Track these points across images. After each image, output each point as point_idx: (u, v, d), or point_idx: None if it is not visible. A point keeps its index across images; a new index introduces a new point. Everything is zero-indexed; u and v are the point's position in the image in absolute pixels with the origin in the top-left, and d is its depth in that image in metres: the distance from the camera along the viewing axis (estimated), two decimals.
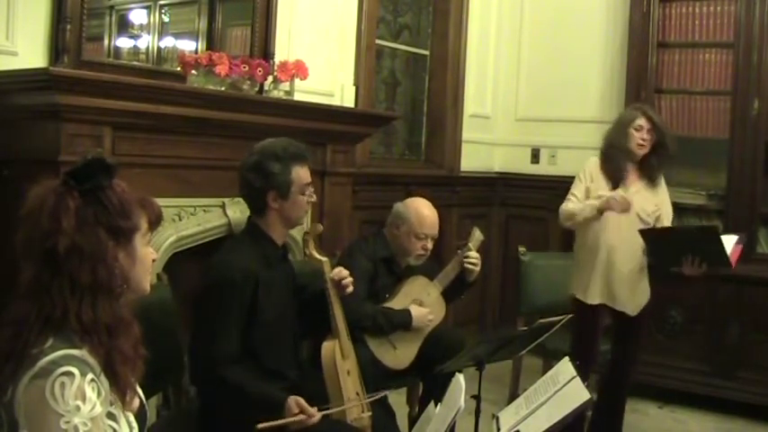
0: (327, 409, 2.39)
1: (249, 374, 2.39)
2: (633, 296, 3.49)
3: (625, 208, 3.30)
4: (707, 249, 3.25)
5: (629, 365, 3.60)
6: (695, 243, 3.31)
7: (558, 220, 3.58)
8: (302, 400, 2.29)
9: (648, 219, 3.48)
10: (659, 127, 3.49)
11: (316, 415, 2.29)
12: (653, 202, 3.50)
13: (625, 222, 3.38)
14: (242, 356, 2.42)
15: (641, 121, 3.46)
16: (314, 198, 2.63)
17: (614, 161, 3.47)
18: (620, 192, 3.35)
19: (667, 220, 3.56)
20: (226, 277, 2.43)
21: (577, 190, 3.51)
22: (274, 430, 2.22)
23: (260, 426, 2.16)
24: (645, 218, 3.46)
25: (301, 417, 2.26)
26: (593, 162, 3.56)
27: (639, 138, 3.45)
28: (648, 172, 3.51)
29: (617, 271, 3.44)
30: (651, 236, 3.32)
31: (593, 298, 3.45)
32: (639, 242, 3.38)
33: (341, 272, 2.64)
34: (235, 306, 2.42)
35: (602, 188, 3.45)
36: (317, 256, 2.64)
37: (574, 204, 3.46)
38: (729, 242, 3.31)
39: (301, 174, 2.55)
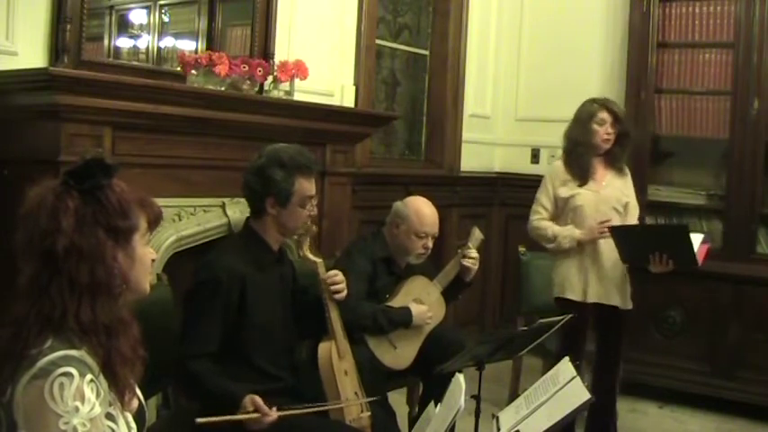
0: (288, 409, 2.26)
1: (214, 369, 2.37)
2: (619, 289, 3.51)
3: (600, 231, 3.38)
4: (675, 248, 3.29)
5: (616, 364, 3.59)
6: (664, 241, 3.36)
7: (529, 231, 3.64)
8: (259, 400, 2.21)
9: (621, 208, 3.54)
10: (621, 118, 3.53)
11: (271, 414, 2.19)
12: (623, 192, 3.56)
13: (601, 215, 3.44)
14: (218, 354, 2.40)
15: (603, 115, 3.49)
16: (314, 212, 2.62)
17: (580, 158, 3.51)
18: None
19: (634, 207, 3.61)
20: (210, 276, 2.44)
21: (545, 199, 3.56)
22: (284, 420, 2.18)
23: (198, 420, 2.08)
24: (619, 208, 3.53)
25: (255, 415, 2.18)
26: (557, 165, 3.61)
27: (604, 132, 3.48)
28: (614, 161, 3.55)
29: (600, 266, 3.48)
30: (620, 233, 3.36)
31: (580, 296, 3.47)
32: None
33: (334, 277, 2.63)
34: (216, 304, 2.41)
35: (571, 188, 3.50)
36: (311, 257, 2.63)
37: (549, 224, 3.52)
38: (695, 241, 3.35)
39: (305, 186, 2.53)
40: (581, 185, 3.49)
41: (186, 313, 2.47)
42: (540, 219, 3.56)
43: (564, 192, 3.51)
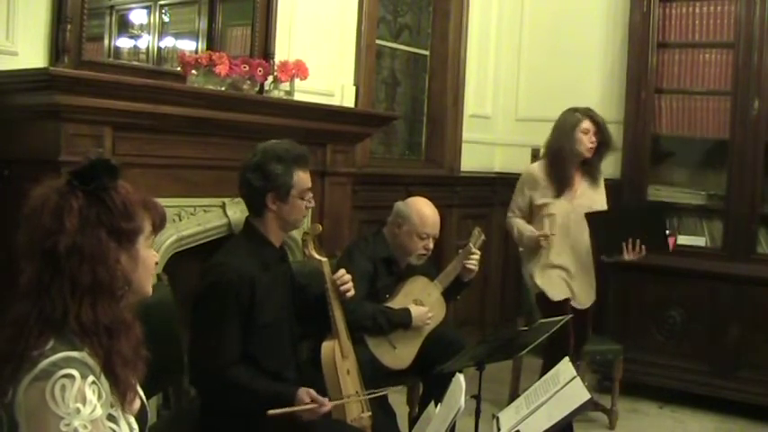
0: (336, 400, 2.45)
1: (255, 373, 2.39)
2: (586, 291, 3.70)
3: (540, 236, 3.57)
4: (650, 229, 3.50)
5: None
6: (639, 223, 3.55)
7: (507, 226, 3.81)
8: (313, 391, 2.33)
9: None
10: (604, 128, 3.65)
11: (327, 404, 2.33)
12: (594, 201, 3.69)
13: (573, 223, 3.61)
14: (242, 358, 2.42)
15: (587, 125, 3.61)
16: (312, 204, 2.61)
17: (563, 166, 3.62)
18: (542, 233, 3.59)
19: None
20: (222, 280, 2.41)
21: (521, 200, 3.73)
22: (284, 419, 2.24)
23: (270, 412, 2.20)
24: None
25: (313, 405, 2.30)
26: (535, 169, 3.73)
27: (588, 141, 3.60)
28: (591, 171, 3.69)
29: (570, 269, 3.64)
30: (597, 219, 3.53)
31: (558, 294, 3.62)
32: (586, 240, 3.61)
33: (343, 276, 2.63)
34: (233, 309, 2.40)
35: (547, 194, 3.63)
36: (317, 256, 2.64)
37: (518, 222, 3.70)
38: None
39: (302, 178, 2.53)
40: (557, 195, 3.62)
41: (202, 322, 2.43)
42: (513, 217, 3.76)
43: (538, 198, 3.66)
